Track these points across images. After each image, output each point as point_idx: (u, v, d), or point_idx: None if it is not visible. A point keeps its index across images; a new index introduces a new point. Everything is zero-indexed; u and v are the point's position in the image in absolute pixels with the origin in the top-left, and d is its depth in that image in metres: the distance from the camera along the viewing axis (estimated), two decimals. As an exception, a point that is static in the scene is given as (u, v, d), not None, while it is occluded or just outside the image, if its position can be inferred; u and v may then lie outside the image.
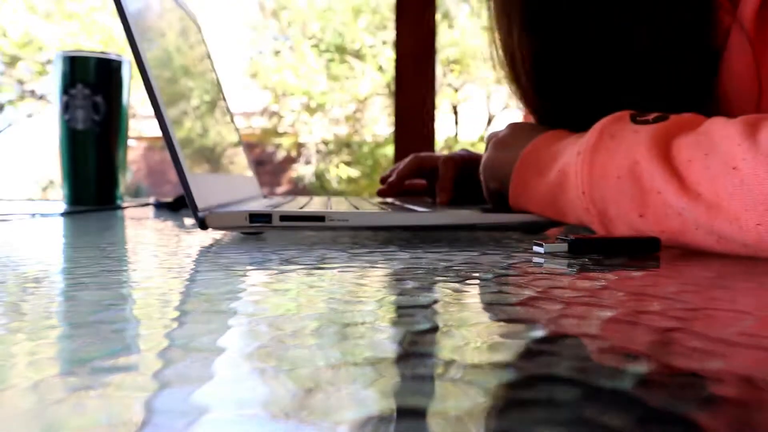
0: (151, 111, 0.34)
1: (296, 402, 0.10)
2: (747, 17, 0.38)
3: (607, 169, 0.33)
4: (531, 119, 0.48)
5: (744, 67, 0.39)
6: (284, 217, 0.34)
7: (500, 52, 0.46)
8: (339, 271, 0.24)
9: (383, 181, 0.70)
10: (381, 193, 0.69)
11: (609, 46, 0.41)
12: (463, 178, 0.59)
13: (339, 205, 0.46)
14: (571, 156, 0.36)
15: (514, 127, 0.46)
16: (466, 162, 0.59)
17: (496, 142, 0.45)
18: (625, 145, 0.33)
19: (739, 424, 0.09)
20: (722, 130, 0.30)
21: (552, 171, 0.38)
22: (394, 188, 0.68)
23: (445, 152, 0.69)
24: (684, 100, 0.40)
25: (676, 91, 0.41)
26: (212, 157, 0.47)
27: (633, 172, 0.32)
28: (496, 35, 0.46)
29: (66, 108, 0.70)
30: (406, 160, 0.68)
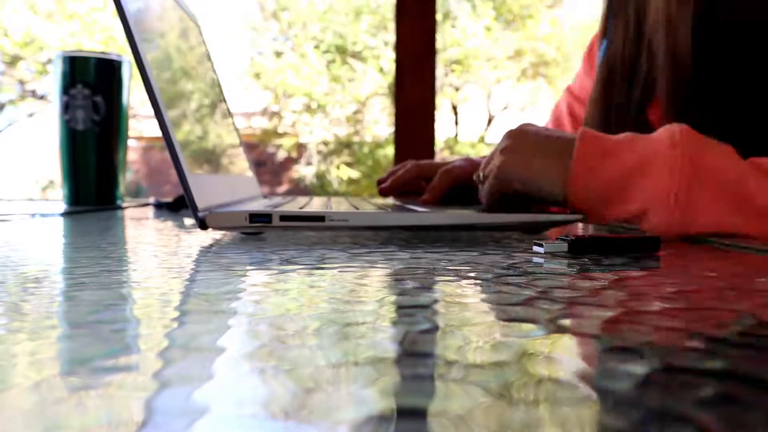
0: (151, 111, 0.34)
1: (296, 402, 0.10)
2: None
3: (711, 167, 0.37)
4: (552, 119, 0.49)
5: None
6: (284, 217, 0.34)
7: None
8: (339, 271, 0.24)
9: (380, 184, 0.70)
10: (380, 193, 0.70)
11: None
12: (459, 188, 0.59)
13: (339, 205, 0.46)
14: (657, 146, 0.39)
15: (537, 130, 0.45)
16: (467, 174, 0.59)
17: (523, 145, 0.44)
18: (730, 154, 0.37)
19: (739, 424, 0.09)
20: None
21: (624, 153, 0.40)
22: (390, 194, 0.68)
23: (446, 154, 0.69)
24: None
25: None
26: (212, 158, 0.47)
27: (739, 180, 0.37)
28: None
29: (66, 108, 0.70)
30: (406, 166, 0.68)
